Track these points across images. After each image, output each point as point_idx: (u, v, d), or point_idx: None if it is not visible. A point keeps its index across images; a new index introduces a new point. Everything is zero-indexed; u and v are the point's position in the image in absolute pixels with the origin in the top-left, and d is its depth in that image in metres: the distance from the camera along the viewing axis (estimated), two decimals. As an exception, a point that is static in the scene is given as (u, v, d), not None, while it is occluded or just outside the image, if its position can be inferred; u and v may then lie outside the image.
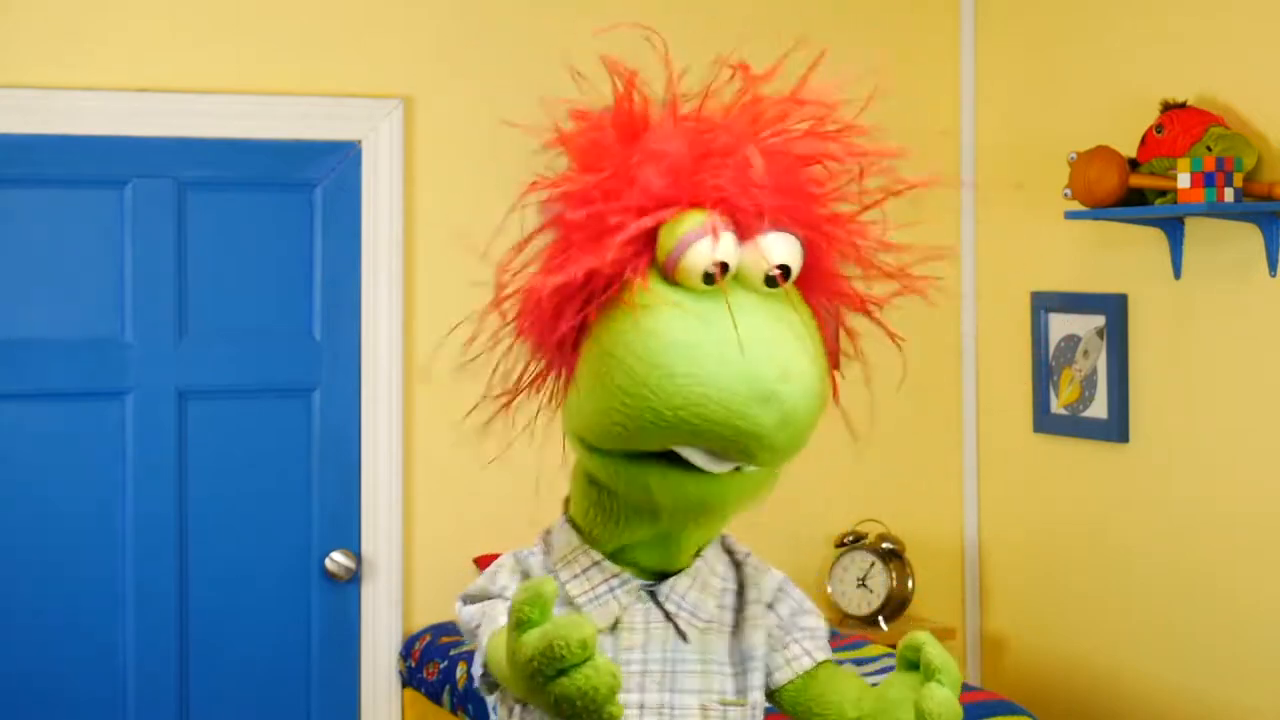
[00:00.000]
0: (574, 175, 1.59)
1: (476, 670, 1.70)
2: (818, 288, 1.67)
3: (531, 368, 1.71)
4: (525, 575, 1.73)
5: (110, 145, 3.71)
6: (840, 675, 1.76)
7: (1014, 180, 4.21)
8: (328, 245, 3.88)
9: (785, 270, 1.57)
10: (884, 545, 4.18)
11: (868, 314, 1.71)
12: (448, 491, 3.96)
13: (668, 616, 1.69)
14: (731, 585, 1.76)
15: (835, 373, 1.80)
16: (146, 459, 3.74)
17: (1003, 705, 3.43)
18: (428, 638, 3.83)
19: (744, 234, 1.56)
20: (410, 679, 3.85)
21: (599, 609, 1.68)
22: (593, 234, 1.55)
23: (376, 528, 3.91)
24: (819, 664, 1.77)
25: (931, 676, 1.57)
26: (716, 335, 1.52)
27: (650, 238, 1.56)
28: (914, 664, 1.62)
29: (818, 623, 1.80)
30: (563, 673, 1.38)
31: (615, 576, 1.69)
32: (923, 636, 1.61)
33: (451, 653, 3.70)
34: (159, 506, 3.76)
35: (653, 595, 1.70)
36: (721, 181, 1.55)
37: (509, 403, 1.72)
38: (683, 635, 1.70)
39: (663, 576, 1.71)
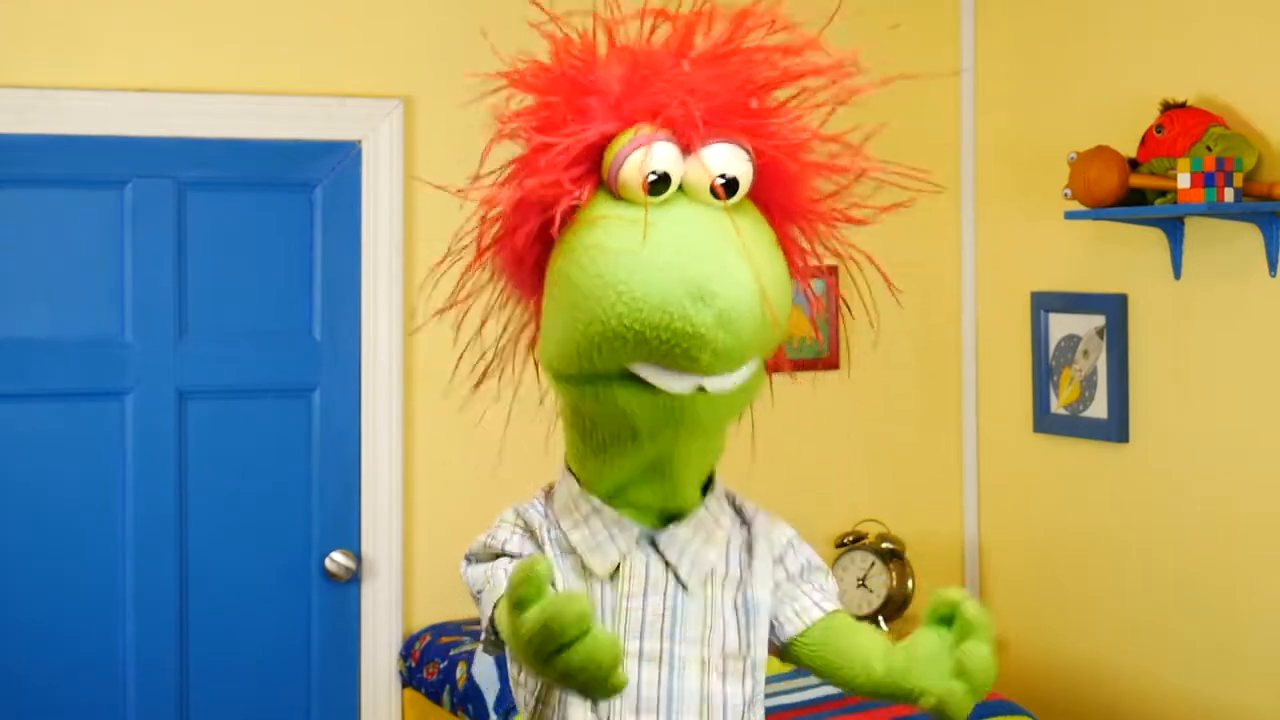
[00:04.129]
0: (527, 108, 1.64)
1: (483, 636, 1.71)
2: (785, 213, 1.68)
3: (513, 311, 1.76)
4: (526, 527, 1.73)
5: (110, 145, 3.71)
6: (862, 629, 1.75)
7: (1014, 181, 4.21)
8: (328, 245, 3.88)
9: (731, 182, 1.59)
10: (884, 545, 4.18)
11: (846, 220, 1.70)
12: (448, 491, 3.96)
13: (668, 565, 1.69)
14: (738, 539, 1.75)
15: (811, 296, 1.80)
16: (146, 459, 3.74)
17: (1003, 705, 3.43)
18: (428, 638, 3.84)
19: (687, 146, 1.59)
20: (410, 679, 3.85)
21: (599, 556, 1.68)
22: (541, 159, 1.59)
23: (376, 528, 3.91)
24: (830, 614, 1.76)
25: (970, 634, 1.55)
26: (655, 242, 1.54)
27: (599, 160, 1.60)
28: (944, 619, 1.60)
29: (826, 579, 1.80)
30: (564, 648, 1.39)
31: (615, 524, 1.68)
32: (958, 593, 1.59)
33: (451, 653, 3.70)
34: (159, 506, 3.76)
35: (653, 544, 1.69)
36: (657, 95, 1.58)
37: (493, 358, 1.77)
38: (683, 585, 1.69)
39: (669, 521, 1.70)
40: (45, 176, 3.68)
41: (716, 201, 1.58)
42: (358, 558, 3.90)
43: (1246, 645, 3.59)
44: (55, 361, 3.69)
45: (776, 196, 1.66)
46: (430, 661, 3.76)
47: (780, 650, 1.78)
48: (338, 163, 3.88)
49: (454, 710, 3.62)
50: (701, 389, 1.57)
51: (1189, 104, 3.59)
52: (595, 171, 1.60)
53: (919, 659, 1.61)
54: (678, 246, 1.54)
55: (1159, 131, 3.60)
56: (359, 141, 3.89)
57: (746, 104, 1.60)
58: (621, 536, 1.68)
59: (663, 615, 1.67)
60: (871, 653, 1.71)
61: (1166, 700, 3.79)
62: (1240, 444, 3.59)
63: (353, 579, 3.91)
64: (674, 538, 1.69)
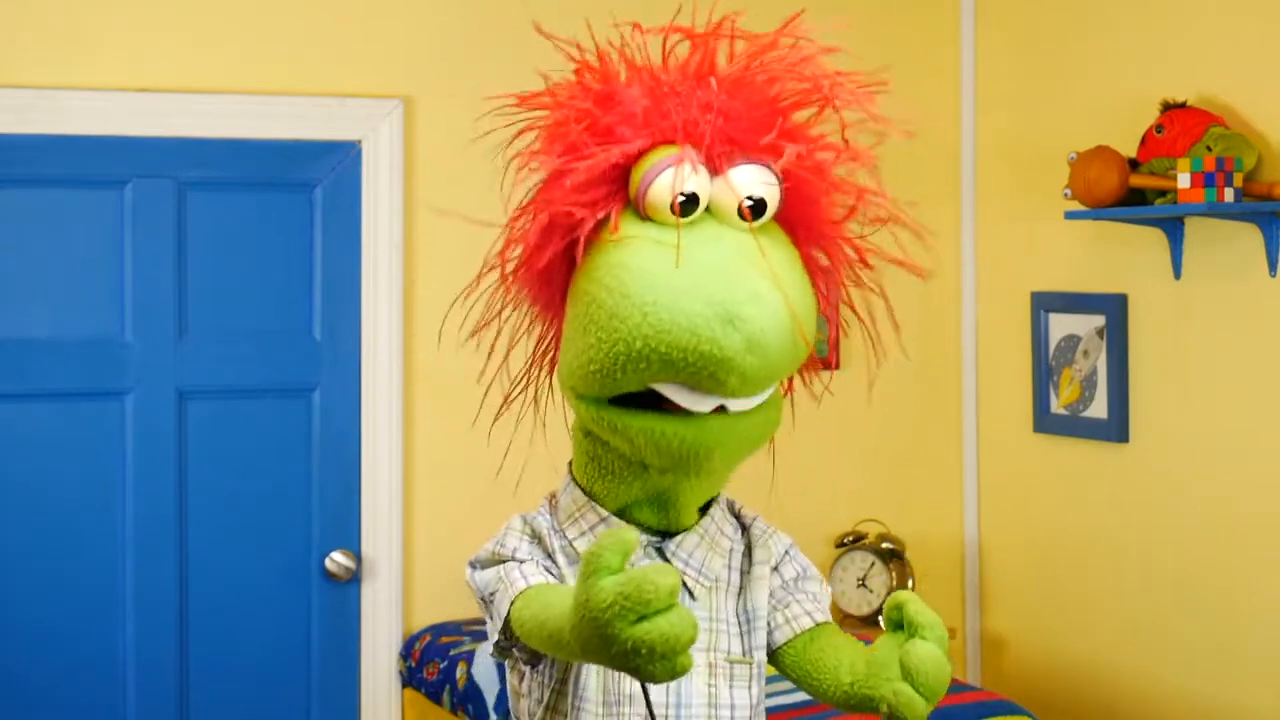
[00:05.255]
0: (552, 131, 1.63)
1: (492, 638, 1.69)
2: (809, 233, 1.67)
3: (532, 327, 1.75)
4: (534, 535, 1.74)
5: (110, 145, 3.71)
6: (841, 640, 1.75)
7: (1014, 181, 4.21)
8: (328, 245, 3.88)
9: (759, 203, 1.58)
10: (884, 545, 4.18)
11: (865, 263, 1.71)
12: (448, 491, 3.96)
13: None
14: (739, 546, 1.77)
15: (837, 326, 1.81)
16: (146, 459, 3.74)
17: (1002, 705, 3.43)
18: (428, 638, 3.84)
19: (715, 167, 1.58)
20: (410, 679, 3.85)
21: None
22: (567, 180, 1.58)
23: (376, 528, 3.91)
24: (819, 625, 1.76)
25: (915, 633, 1.55)
26: (683, 264, 1.53)
27: (625, 179, 1.59)
28: (899, 624, 1.59)
29: (820, 589, 1.81)
30: (645, 618, 1.35)
31: None
32: (905, 595, 1.59)
33: (451, 653, 3.70)
34: (159, 506, 3.76)
35: (660, 553, 1.70)
36: (684, 115, 1.57)
37: (506, 357, 1.75)
38: (690, 592, 1.70)
39: (669, 535, 1.72)
40: (45, 176, 3.68)
41: (743, 223, 1.58)
42: (358, 558, 3.90)
43: (1246, 645, 3.59)
44: (55, 361, 3.69)
45: (801, 217, 1.65)
46: (430, 661, 3.76)
47: (769, 657, 1.79)
48: (338, 163, 3.88)
49: (454, 710, 3.62)
50: (723, 408, 1.57)
51: (1189, 104, 3.59)
52: (620, 191, 1.59)
53: (879, 663, 1.59)
54: (706, 269, 1.52)
55: (1159, 131, 3.60)
56: (359, 141, 3.89)
57: (771, 125, 1.58)
58: None
59: None
60: (842, 663, 1.69)
61: (1166, 700, 3.79)
62: (1240, 444, 3.59)
63: (353, 579, 3.91)
64: (680, 546, 1.71)
